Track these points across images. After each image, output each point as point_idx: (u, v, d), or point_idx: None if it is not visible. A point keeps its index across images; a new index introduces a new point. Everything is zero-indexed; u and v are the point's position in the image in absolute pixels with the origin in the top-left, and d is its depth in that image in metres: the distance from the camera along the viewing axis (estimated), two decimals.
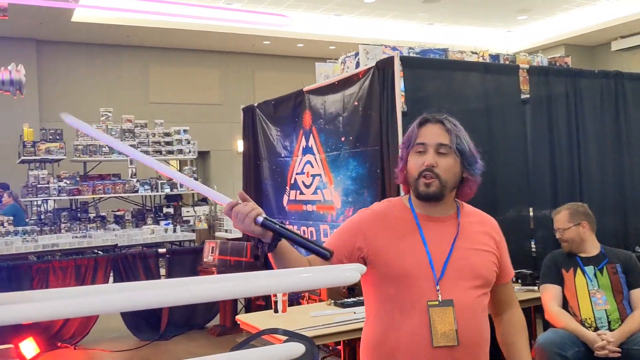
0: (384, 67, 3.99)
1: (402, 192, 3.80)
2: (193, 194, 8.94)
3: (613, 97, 4.83)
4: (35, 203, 8.16)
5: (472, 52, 5.04)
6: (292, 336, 2.62)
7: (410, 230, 1.71)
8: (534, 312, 3.93)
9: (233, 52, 13.17)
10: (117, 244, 7.24)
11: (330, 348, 4.15)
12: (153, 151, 8.27)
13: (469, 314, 1.67)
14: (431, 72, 4.19)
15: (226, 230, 7.92)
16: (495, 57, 5.11)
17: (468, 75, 4.33)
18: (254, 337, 2.68)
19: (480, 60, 4.91)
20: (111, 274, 5.60)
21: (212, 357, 0.97)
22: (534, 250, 4.47)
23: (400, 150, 1.80)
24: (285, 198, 5.17)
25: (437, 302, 1.63)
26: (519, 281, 3.93)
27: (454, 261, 1.67)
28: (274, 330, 2.77)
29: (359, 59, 4.62)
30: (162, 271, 6.00)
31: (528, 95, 4.57)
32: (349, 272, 1.04)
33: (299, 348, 0.95)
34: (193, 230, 8.29)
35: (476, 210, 1.83)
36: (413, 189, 1.71)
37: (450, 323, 1.63)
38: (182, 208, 8.68)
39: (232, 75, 13.38)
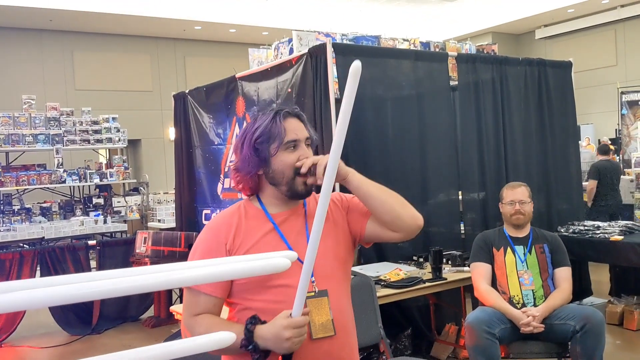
0: (316, 54, 3.99)
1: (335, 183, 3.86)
2: (124, 183, 8.68)
3: (536, 83, 5.03)
4: None
5: (404, 40, 5.11)
6: None
7: (266, 229, 1.63)
8: (463, 291, 4.07)
9: (164, 37, 12.83)
10: (43, 237, 6.96)
11: None
12: (80, 140, 7.96)
13: (340, 301, 1.65)
14: (364, 58, 4.19)
15: (159, 220, 7.77)
16: (426, 44, 5.20)
17: (399, 62, 4.41)
18: None
19: (412, 47, 4.99)
20: (38, 269, 5.39)
21: (146, 348, 0.95)
22: (462, 232, 4.62)
23: (252, 144, 1.62)
24: (220, 186, 5.11)
25: (313, 294, 1.59)
26: (449, 262, 4.06)
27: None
28: None
29: (292, 45, 4.60)
30: (93, 264, 5.82)
31: (456, 82, 4.69)
32: (279, 260, 1.05)
33: (229, 336, 0.95)
34: (125, 221, 8.08)
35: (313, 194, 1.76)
36: (287, 188, 1.61)
37: (327, 313, 1.60)
38: (113, 198, 8.43)
39: (163, 61, 13.04)
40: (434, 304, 4.31)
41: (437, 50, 5.08)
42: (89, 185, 8.40)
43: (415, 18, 13.19)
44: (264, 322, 1.51)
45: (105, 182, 8.15)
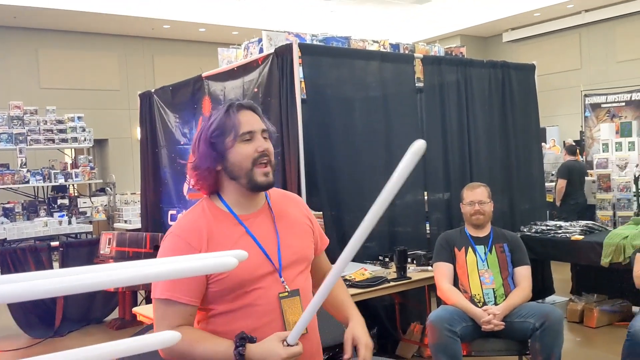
0: (282, 54, 3.99)
1: (302, 183, 3.86)
2: (90, 184, 8.53)
3: (500, 85, 5.11)
4: None
5: (374, 41, 5.13)
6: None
7: (237, 233, 1.61)
8: (428, 290, 4.11)
9: (132, 35, 12.68)
10: (5, 239, 6.80)
11: None
12: (45, 139, 7.81)
13: (309, 300, 1.63)
14: (331, 59, 4.24)
15: (125, 221, 7.66)
16: (396, 46, 5.22)
17: (366, 63, 4.43)
18: (150, 328, 2.63)
19: (381, 49, 5.01)
20: None
21: (91, 348, 0.95)
22: (428, 232, 4.67)
23: (208, 140, 1.60)
24: (186, 186, 5.06)
25: (286, 294, 1.61)
26: (414, 262, 4.10)
27: (285, 249, 1.65)
28: None
29: (262, 45, 4.59)
30: (56, 265, 5.71)
31: (422, 84, 4.74)
32: (225, 259, 1.05)
33: (175, 335, 0.94)
34: (90, 222, 7.95)
35: (280, 190, 1.81)
36: (247, 180, 1.60)
37: (299, 312, 1.61)
38: (79, 199, 8.29)
39: (132, 59, 12.88)
40: (399, 304, 4.35)
41: (407, 52, 5.12)
42: (54, 186, 8.24)
43: (386, 20, 13.28)
44: (251, 339, 1.52)
45: (70, 182, 8.01)
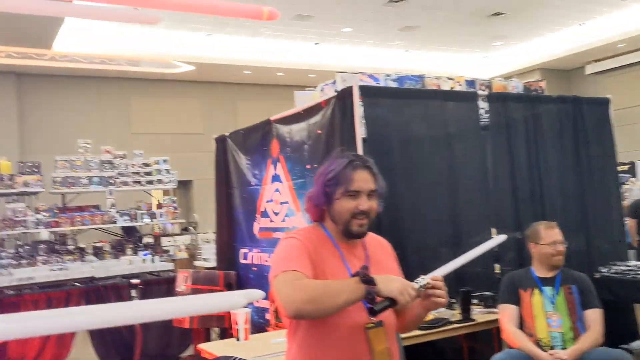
0: (344, 97, 4.10)
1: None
2: (172, 223, 8.93)
3: (572, 121, 4.95)
4: (12, 237, 8.13)
5: (448, 78, 5.04)
6: None
7: (332, 254, 1.88)
8: (495, 332, 3.97)
9: (214, 82, 13.32)
10: (93, 276, 7.21)
11: None
12: (132, 182, 8.31)
13: (392, 332, 1.89)
14: (392, 100, 4.30)
15: (205, 259, 7.94)
16: (471, 82, 5.12)
17: (428, 102, 4.45)
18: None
19: (457, 85, 4.94)
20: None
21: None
22: (498, 272, 4.53)
23: (323, 183, 1.91)
24: (256, 226, 5.22)
25: (372, 325, 1.81)
26: (482, 303, 4.00)
27: None
28: (228, 358, 2.84)
29: (337, 87, 4.68)
30: None
31: (488, 122, 4.68)
32: (236, 297, 1.12)
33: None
34: (173, 260, 8.28)
35: (371, 234, 2.02)
36: (343, 227, 1.89)
37: (384, 341, 1.83)
38: (162, 238, 8.68)
39: (215, 105, 13.50)
40: (468, 347, 4.23)
41: (483, 88, 5.00)
42: (141, 226, 8.70)
43: (462, 56, 13.23)
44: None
45: (155, 222, 8.43)
